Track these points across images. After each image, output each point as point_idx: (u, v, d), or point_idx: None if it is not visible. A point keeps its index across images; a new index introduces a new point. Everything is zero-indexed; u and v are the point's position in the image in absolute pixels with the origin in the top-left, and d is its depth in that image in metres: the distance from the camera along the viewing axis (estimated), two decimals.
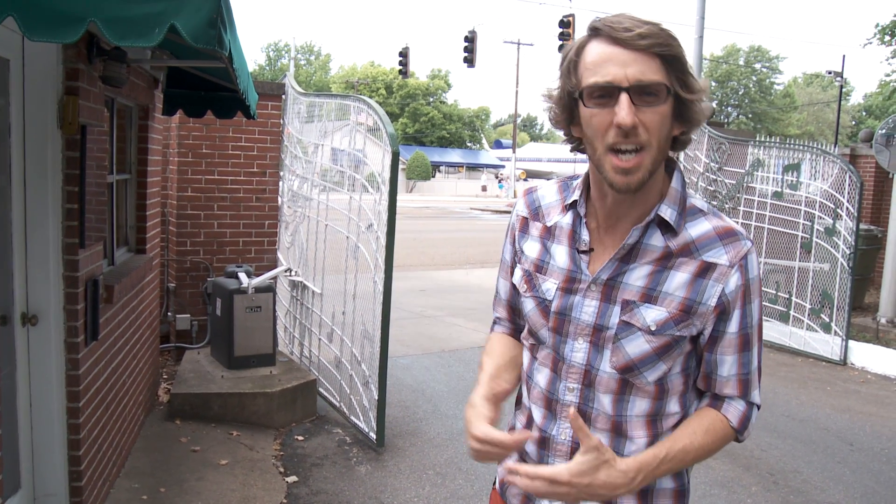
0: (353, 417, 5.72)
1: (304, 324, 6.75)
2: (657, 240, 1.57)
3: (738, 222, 9.20)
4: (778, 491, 4.97)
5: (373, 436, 5.38)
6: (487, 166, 76.26)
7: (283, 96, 7.28)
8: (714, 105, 10.76)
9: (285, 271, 6.91)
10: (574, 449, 1.61)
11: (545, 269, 1.68)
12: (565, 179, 1.76)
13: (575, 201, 1.66)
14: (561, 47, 20.21)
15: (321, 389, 6.28)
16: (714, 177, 9.54)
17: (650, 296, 1.56)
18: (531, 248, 1.73)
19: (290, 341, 7.17)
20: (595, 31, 1.48)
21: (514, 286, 1.79)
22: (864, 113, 71.61)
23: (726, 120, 58.39)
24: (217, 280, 6.42)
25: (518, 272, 1.75)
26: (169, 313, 6.99)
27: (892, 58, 24.09)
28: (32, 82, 3.40)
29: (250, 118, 5.63)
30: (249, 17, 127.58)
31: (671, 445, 1.57)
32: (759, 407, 1.67)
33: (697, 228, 1.58)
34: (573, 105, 1.53)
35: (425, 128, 73.50)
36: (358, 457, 5.23)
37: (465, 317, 10.39)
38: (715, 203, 9.48)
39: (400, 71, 32.90)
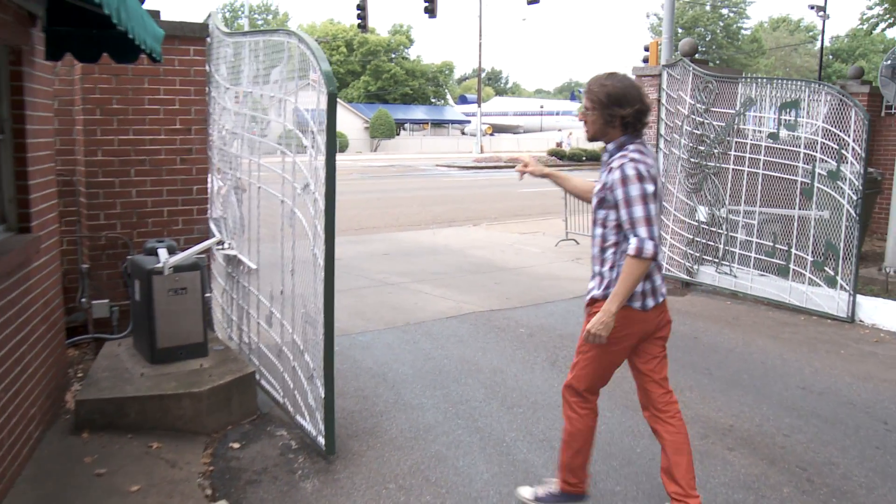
0: (298, 417, 4.78)
1: (241, 305, 5.77)
2: (606, 160, 3.59)
3: (729, 168, 8.37)
4: (815, 493, 4.09)
5: (321, 441, 4.46)
6: (452, 122, 74.98)
7: (208, 39, 6.21)
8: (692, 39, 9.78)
9: (216, 244, 5.92)
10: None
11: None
12: None
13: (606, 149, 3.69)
14: None
15: (263, 382, 5.34)
16: (701, 119, 8.58)
17: (600, 182, 3.57)
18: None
19: (228, 325, 6.19)
20: None
21: None
22: (830, 56, 70.91)
23: None
24: (135, 258, 5.42)
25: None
26: (83, 299, 5.95)
27: None
28: None
29: (156, 62, 4.59)
30: None
31: (613, 293, 3.43)
32: (645, 239, 3.33)
33: (619, 156, 3.48)
34: None
35: (388, 85, 71.94)
36: (304, 468, 4.33)
37: (432, 283, 9.47)
38: (702, 148, 8.58)
39: (359, 25, 31.38)
